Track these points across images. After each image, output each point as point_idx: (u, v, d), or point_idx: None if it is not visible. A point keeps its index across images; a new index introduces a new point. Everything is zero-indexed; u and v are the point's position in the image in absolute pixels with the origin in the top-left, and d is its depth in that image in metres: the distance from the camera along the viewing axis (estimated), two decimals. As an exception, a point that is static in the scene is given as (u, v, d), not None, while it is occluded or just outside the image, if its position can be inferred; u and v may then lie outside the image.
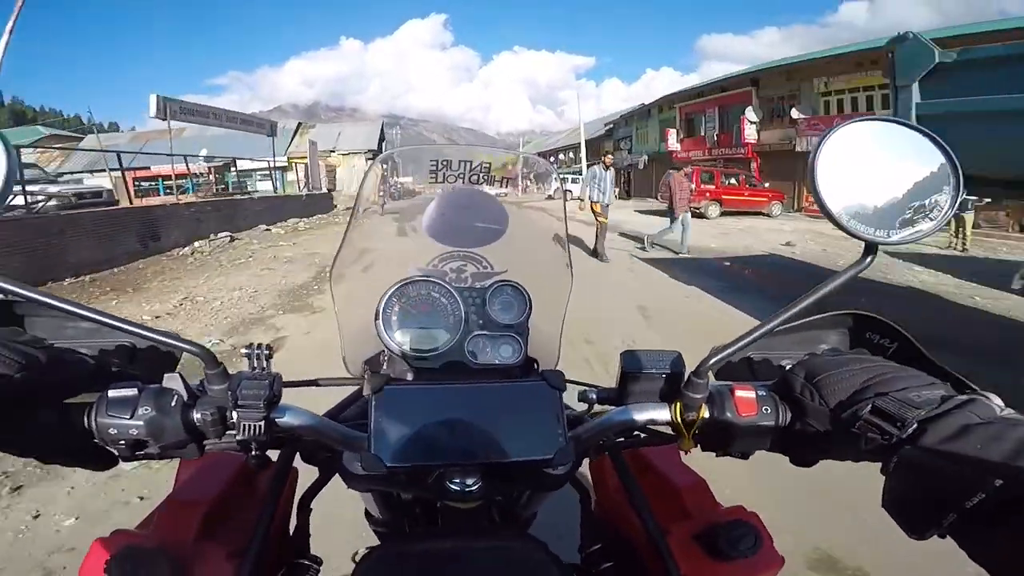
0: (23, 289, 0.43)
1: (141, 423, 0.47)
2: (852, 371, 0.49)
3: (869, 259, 0.46)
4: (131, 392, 0.48)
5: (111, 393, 0.48)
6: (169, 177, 14.68)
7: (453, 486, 0.52)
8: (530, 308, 0.70)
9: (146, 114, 13.78)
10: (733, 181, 17.93)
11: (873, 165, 0.46)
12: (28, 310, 0.62)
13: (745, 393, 0.53)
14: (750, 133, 21.10)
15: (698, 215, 13.78)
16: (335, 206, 18.84)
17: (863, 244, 0.46)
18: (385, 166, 0.82)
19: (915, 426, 0.41)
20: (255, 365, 0.51)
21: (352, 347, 0.72)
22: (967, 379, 0.50)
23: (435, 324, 0.68)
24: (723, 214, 17.06)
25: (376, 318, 0.67)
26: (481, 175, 0.72)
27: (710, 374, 0.52)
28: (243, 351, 0.52)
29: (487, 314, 0.69)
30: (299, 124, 31.40)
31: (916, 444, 0.40)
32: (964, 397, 0.42)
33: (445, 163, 0.71)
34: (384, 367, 0.65)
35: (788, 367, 0.56)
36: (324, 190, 20.84)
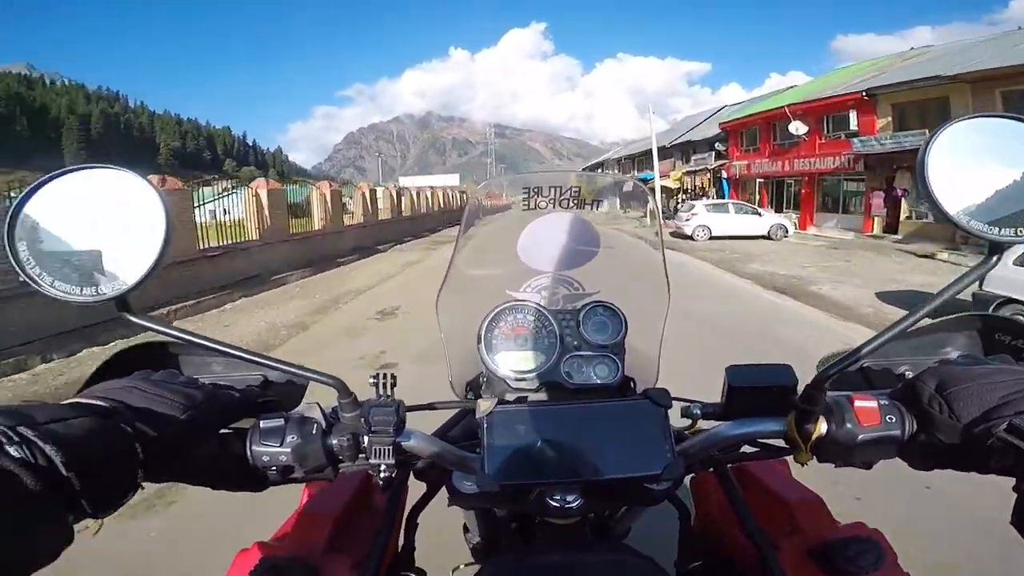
0: (182, 333, 0.48)
1: (289, 450, 0.52)
2: (988, 384, 0.46)
3: (995, 259, 0.45)
4: (278, 423, 0.52)
5: (262, 424, 0.52)
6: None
7: (554, 502, 0.54)
8: (626, 328, 0.71)
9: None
10: None
11: (991, 162, 0.44)
12: (180, 349, 0.65)
13: (866, 403, 0.51)
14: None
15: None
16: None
17: (987, 244, 0.44)
18: (481, 196, 0.85)
19: None
20: (381, 392, 0.54)
21: (457, 370, 0.76)
22: None
23: (532, 346, 0.70)
24: None
25: (478, 342, 0.70)
26: (572, 199, 0.74)
27: (826, 385, 0.51)
28: (370, 380, 0.54)
29: (582, 335, 0.70)
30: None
31: None
32: None
33: (536, 190, 0.74)
34: (484, 388, 0.70)
35: (912, 375, 0.54)
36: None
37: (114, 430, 0.42)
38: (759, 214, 17.45)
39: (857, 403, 0.51)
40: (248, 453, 0.52)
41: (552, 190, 0.73)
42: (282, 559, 0.58)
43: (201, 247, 8.64)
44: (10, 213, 0.43)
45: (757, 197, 21.57)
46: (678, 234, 17.73)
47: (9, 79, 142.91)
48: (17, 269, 0.43)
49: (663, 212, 24.10)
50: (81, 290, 0.44)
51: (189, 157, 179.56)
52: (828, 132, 18.38)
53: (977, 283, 4.52)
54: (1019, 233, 0.43)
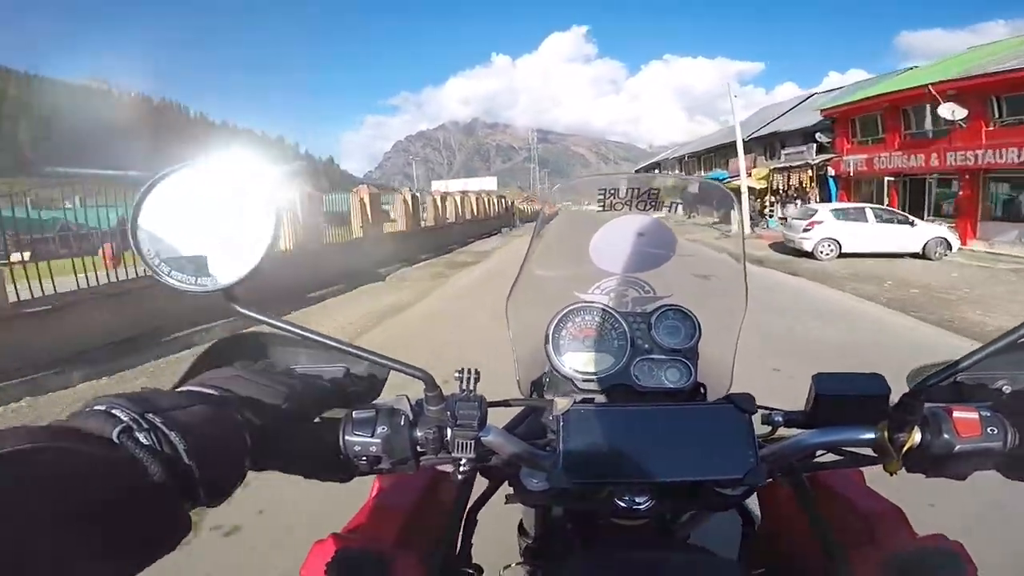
0: (283, 323, 0.48)
1: (379, 441, 0.52)
2: None
3: None
4: (370, 413, 0.53)
5: (355, 414, 0.53)
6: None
7: (622, 503, 0.55)
8: (699, 332, 0.70)
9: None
10: None
11: None
12: (269, 340, 0.65)
13: (966, 414, 0.51)
14: None
15: None
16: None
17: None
18: (557, 197, 0.88)
19: None
20: (464, 387, 0.54)
21: (524, 369, 0.76)
22: None
23: (601, 348, 0.70)
24: None
25: (546, 342, 0.70)
26: (649, 201, 0.73)
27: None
28: (455, 374, 0.55)
29: (653, 338, 0.70)
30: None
31: None
32: None
33: (613, 191, 0.73)
34: (546, 388, 0.70)
35: (1012, 389, 0.55)
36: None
37: (227, 418, 0.43)
38: (911, 223, 12.96)
39: (956, 414, 0.51)
40: (341, 443, 0.53)
41: (630, 191, 0.73)
42: (356, 551, 0.59)
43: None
44: (134, 206, 0.45)
45: (885, 201, 16.90)
46: (790, 249, 13.54)
47: (76, 89, 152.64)
48: (140, 259, 0.45)
49: (750, 218, 20.12)
50: (196, 280, 0.45)
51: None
52: (1000, 117, 13.70)
53: None
54: None
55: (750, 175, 22.63)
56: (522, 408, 0.72)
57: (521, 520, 0.84)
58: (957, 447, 0.51)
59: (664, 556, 0.58)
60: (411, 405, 0.54)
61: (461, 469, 0.54)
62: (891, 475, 0.55)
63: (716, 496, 0.57)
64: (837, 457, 0.63)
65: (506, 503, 0.65)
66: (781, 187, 22.52)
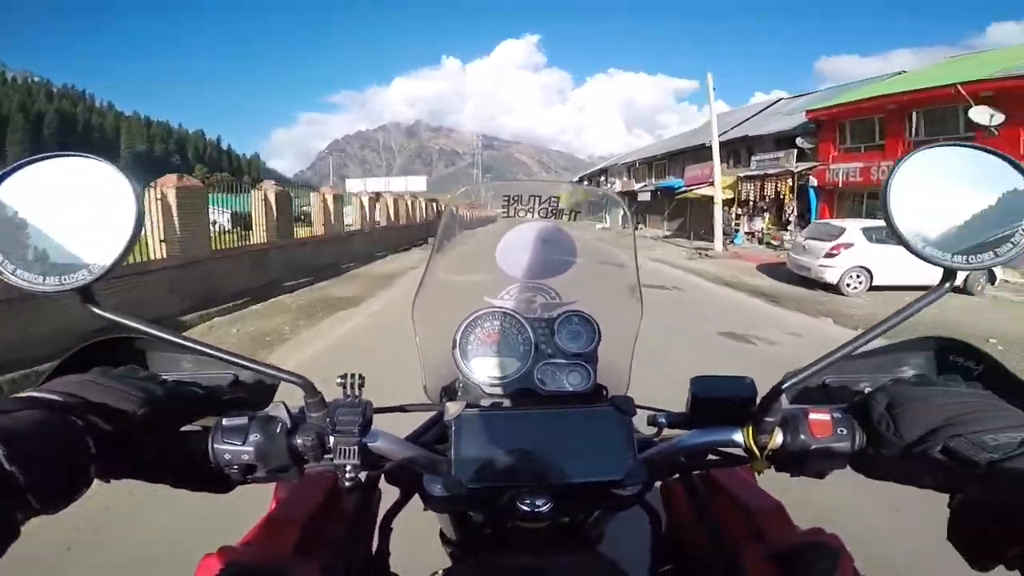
0: (147, 327, 0.46)
1: (251, 449, 0.51)
2: (931, 405, 0.49)
3: (947, 285, 0.47)
4: (242, 421, 0.52)
5: (225, 422, 0.52)
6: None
7: (524, 506, 0.55)
8: (599, 337, 0.72)
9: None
10: None
11: (950, 191, 0.46)
12: (147, 346, 0.64)
13: (820, 416, 0.54)
14: None
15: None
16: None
17: (941, 270, 0.47)
18: (460, 203, 0.84)
19: (984, 467, 0.42)
20: (348, 393, 0.54)
21: (431, 375, 0.75)
22: None
23: (507, 353, 0.71)
24: None
25: (453, 348, 0.70)
26: (551, 209, 0.74)
27: (783, 397, 0.53)
28: (338, 380, 0.54)
29: (556, 343, 0.71)
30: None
31: (984, 483, 0.42)
32: None
33: (516, 198, 0.74)
34: (459, 394, 0.69)
35: (869, 391, 0.56)
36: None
37: (63, 424, 0.42)
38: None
39: (811, 415, 0.54)
40: (210, 451, 0.51)
41: (532, 199, 0.74)
42: (248, 563, 0.56)
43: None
44: None
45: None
46: (798, 279, 10.12)
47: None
48: None
49: (722, 232, 17.09)
50: (44, 279, 0.43)
51: (156, 160, 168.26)
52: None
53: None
54: (970, 260, 0.45)
55: (706, 184, 19.49)
56: (433, 414, 0.72)
57: (441, 528, 0.80)
58: (812, 447, 0.53)
59: (550, 559, 0.59)
60: (290, 412, 0.53)
61: (348, 476, 0.53)
62: (758, 474, 0.57)
63: (612, 497, 0.58)
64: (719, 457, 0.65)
65: (424, 509, 0.64)
66: (752, 197, 19.52)
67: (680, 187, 23.95)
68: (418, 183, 33.80)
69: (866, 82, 19.54)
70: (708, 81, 16.56)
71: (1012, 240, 0.44)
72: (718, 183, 16.82)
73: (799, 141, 17.67)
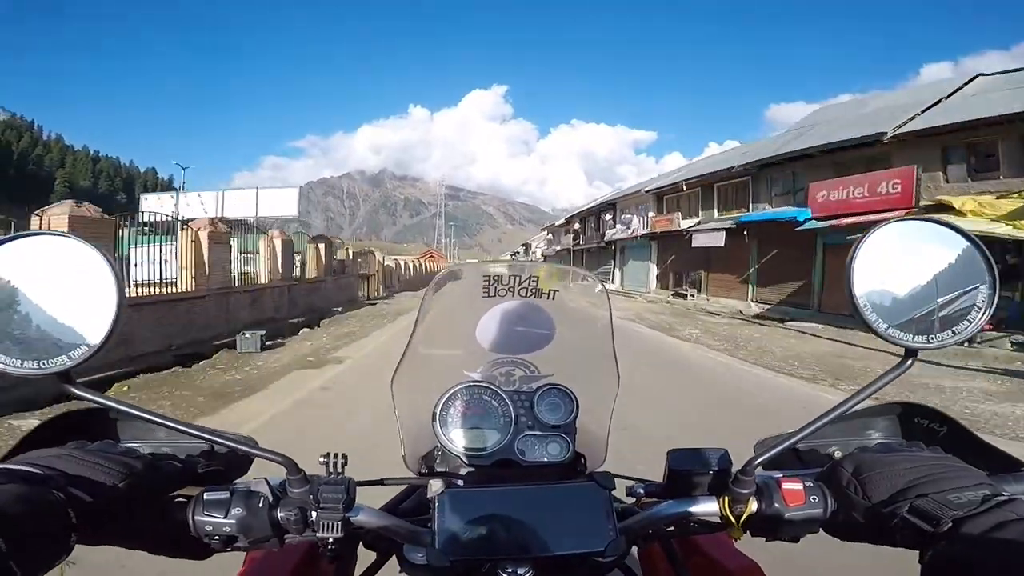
0: (123, 406, 0.49)
1: (233, 521, 0.51)
2: (898, 470, 0.51)
3: (909, 362, 0.49)
4: (223, 495, 0.52)
5: (206, 496, 0.52)
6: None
7: (505, 575, 0.55)
8: (577, 408, 0.75)
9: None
10: None
11: (907, 268, 0.48)
12: (119, 416, 0.64)
13: (792, 485, 0.55)
14: None
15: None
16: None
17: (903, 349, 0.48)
18: (444, 281, 0.85)
19: (949, 525, 0.44)
20: (331, 471, 0.54)
21: (411, 444, 0.76)
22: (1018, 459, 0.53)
23: (487, 425, 0.73)
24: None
25: (433, 419, 0.73)
26: (529, 288, 0.76)
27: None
28: (320, 459, 0.55)
29: (535, 415, 0.74)
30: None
31: (950, 540, 0.43)
32: (1004, 497, 0.44)
33: (497, 278, 0.76)
34: (438, 463, 0.73)
35: (838, 457, 0.59)
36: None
37: (42, 495, 0.42)
38: None
39: (784, 485, 0.55)
40: (190, 522, 0.52)
41: (512, 279, 0.76)
42: None
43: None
44: None
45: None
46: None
47: None
48: None
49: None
50: (21, 363, 0.42)
51: (99, 197, 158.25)
52: None
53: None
54: (930, 340, 0.47)
55: (954, 209, 11.14)
56: (414, 483, 0.72)
57: None
58: (787, 515, 0.55)
59: None
60: (271, 487, 0.54)
61: (330, 548, 0.54)
62: (736, 540, 0.60)
63: (593, 565, 0.59)
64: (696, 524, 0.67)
65: (399, 572, 0.64)
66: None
67: (807, 217, 15.10)
68: (289, 201, 18.47)
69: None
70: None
71: (968, 318, 0.46)
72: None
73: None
